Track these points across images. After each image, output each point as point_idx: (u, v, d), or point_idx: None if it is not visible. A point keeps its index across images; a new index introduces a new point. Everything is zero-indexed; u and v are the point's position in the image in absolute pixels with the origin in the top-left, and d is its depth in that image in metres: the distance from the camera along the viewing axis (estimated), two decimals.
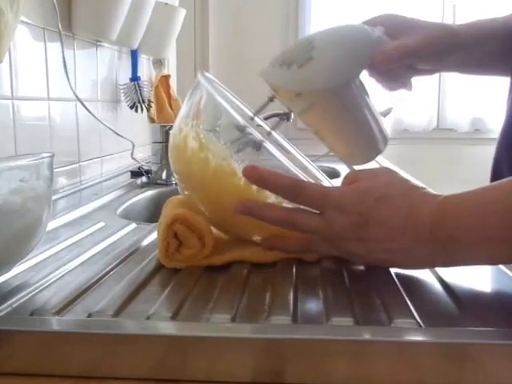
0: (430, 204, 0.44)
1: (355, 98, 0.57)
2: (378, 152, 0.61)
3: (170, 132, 0.57)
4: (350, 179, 0.48)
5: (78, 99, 1.03)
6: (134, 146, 1.18)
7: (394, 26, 0.59)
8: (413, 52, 0.58)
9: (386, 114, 0.66)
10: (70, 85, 0.98)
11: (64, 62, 0.97)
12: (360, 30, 0.57)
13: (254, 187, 0.50)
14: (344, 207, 0.45)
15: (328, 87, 0.55)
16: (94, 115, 1.08)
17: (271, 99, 0.59)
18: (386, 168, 0.50)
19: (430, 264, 0.47)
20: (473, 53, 0.63)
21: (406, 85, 0.63)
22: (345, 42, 0.56)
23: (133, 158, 1.17)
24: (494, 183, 0.45)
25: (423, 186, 0.47)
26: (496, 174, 0.72)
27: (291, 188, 0.47)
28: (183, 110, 0.56)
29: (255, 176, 0.47)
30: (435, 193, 0.46)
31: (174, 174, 0.57)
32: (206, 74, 0.56)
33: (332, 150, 0.62)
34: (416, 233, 0.43)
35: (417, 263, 0.47)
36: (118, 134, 1.16)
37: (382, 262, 0.48)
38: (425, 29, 0.59)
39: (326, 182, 0.62)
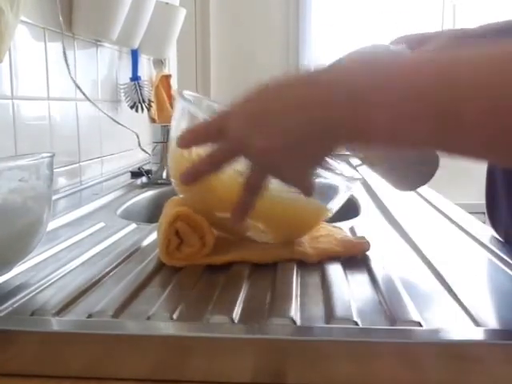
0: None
1: None
2: (431, 175, 0.60)
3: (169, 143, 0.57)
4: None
5: (83, 93, 1.02)
6: (138, 136, 1.17)
7: (417, 42, 0.60)
8: None
9: None
10: (73, 80, 0.98)
11: (66, 61, 0.96)
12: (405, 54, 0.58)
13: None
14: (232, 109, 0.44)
15: None
16: (99, 108, 1.08)
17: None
18: None
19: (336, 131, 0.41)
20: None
21: None
22: None
23: (142, 149, 1.16)
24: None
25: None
26: (490, 175, 0.71)
27: (203, 130, 0.46)
28: (175, 123, 0.56)
29: (182, 141, 0.47)
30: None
31: (172, 179, 0.57)
32: (185, 92, 0.56)
33: (390, 181, 0.62)
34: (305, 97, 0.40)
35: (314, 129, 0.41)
36: (122, 125, 1.15)
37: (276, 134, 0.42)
38: (439, 36, 0.60)
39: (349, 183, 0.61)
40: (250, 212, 0.46)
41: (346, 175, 0.58)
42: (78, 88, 1.03)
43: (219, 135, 0.44)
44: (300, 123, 0.40)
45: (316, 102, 0.39)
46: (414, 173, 0.60)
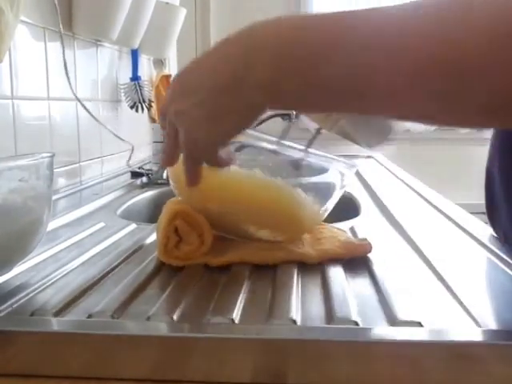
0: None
1: None
2: (392, 132, 0.62)
3: None
4: None
5: (79, 101, 1.02)
6: (133, 149, 1.17)
7: None
8: None
9: None
10: (70, 86, 0.98)
11: (65, 64, 0.96)
12: None
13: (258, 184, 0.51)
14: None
15: None
16: (93, 116, 1.08)
17: (318, 131, 0.61)
18: None
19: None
20: None
21: None
22: None
23: (128, 164, 1.16)
24: None
25: None
26: (489, 177, 0.71)
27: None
28: None
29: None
30: None
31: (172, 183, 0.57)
32: None
33: (357, 142, 0.63)
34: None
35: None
36: (117, 136, 1.15)
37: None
38: None
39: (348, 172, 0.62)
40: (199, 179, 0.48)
41: (344, 161, 0.58)
42: (77, 98, 1.02)
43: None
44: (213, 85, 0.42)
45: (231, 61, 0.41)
46: (375, 127, 0.61)
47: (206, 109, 0.43)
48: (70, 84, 0.97)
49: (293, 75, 0.38)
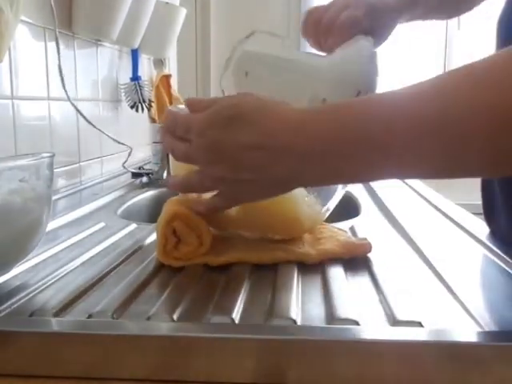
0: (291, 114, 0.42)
1: None
2: None
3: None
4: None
5: (73, 104, 1.02)
6: (130, 152, 1.17)
7: (374, 24, 0.61)
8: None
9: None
10: (64, 89, 0.98)
11: (59, 66, 0.96)
12: (373, 53, 0.59)
13: None
14: (203, 130, 0.44)
15: None
16: (88, 120, 1.07)
17: None
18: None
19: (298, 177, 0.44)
20: (410, 14, 0.66)
21: None
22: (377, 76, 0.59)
23: (123, 166, 1.16)
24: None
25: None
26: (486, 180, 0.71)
27: (166, 120, 0.48)
28: None
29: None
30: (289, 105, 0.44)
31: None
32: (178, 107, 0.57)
33: None
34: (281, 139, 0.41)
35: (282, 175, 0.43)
36: (113, 139, 1.15)
37: (243, 186, 0.45)
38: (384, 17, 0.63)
39: None
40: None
41: None
42: (65, 92, 1.02)
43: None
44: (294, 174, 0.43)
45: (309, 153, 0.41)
46: None
47: (259, 185, 0.44)
48: (63, 86, 0.96)
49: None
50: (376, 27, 0.61)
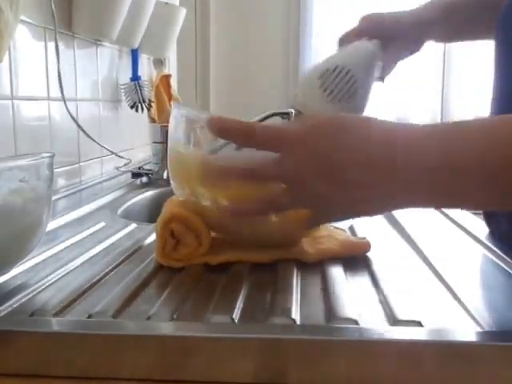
0: (399, 133, 0.42)
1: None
2: None
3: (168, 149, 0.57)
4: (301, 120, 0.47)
5: (65, 104, 1.02)
6: (129, 163, 1.18)
7: (383, 33, 0.65)
8: (405, 56, 0.70)
9: (382, 80, 0.73)
10: (61, 90, 0.98)
11: (58, 70, 0.96)
12: (374, 53, 0.62)
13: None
14: (301, 144, 0.42)
15: (363, 111, 0.62)
16: (79, 126, 1.07)
17: (292, 115, 0.61)
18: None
19: (391, 202, 0.44)
20: (441, 29, 0.70)
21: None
22: (372, 68, 0.62)
23: (118, 169, 1.16)
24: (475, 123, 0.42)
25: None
26: None
27: (242, 130, 0.44)
28: (173, 133, 0.56)
29: (215, 126, 0.45)
30: (392, 123, 0.43)
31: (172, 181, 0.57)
32: (180, 105, 0.57)
33: None
34: (384, 163, 0.40)
35: (386, 199, 0.43)
36: (116, 154, 1.15)
37: (348, 207, 0.45)
38: (403, 30, 0.68)
39: None
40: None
41: None
42: (61, 93, 1.02)
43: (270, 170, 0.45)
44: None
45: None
46: None
47: (359, 206, 0.44)
48: (61, 91, 0.96)
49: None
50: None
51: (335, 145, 0.41)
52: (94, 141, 1.07)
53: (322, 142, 0.42)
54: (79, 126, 1.03)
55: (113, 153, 1.15)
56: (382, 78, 0.68)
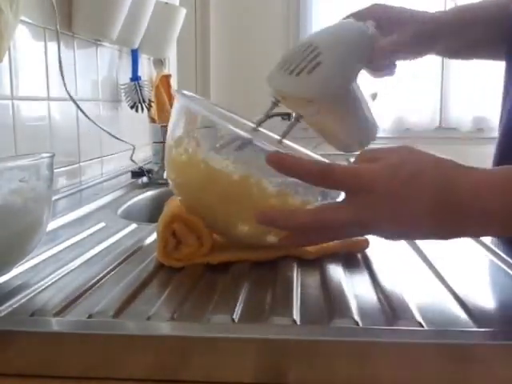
0: (465, 179, 0.43)
1: (355, 93, 0.58)
2: (374, 136, 0.62)
3: (165, 144, 0.56)
4: (369, 158, 0.46)
5: (75, 102, 1.02)
6: (134, 148, 1.17)
7: (387, 19, 0.61)
8: (404, 48, 0.61)
9: (374, 97, 0.67)
10: (65, 88, 0.98)
11: (60, 64, 0.96)
12: (358, 30, 0.58)
13: (285, 191, 0.50)
14: (377, 186, 0.43)
15: (338, 90, 0.56)
16: (91, 119, 1.07)
17: (276, 105, 0.59)
18: (401, 145, 0.48)
19: (466, 235, 0.47)
20: (459, 39, 0.65)
21: (391, 71, 0.65)
22: (348, 43, 0.57)
23: (132, 160, 1.17)
24: None
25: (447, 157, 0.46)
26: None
27: (316, 172, 0.44)
28: (173, 124, 0.56)
29: (278, 163, 0.45)
30: (463, 165, 0.45)
31: (170, 181, 0.57)
32: (184, 92, 0.56)
33: (332, 142, 0.62)
34: (455, 208, 0.42)
35: (453, 236, 0.45)
36: (115, 137, 1.15)
37: (418, 236, 0.49)
38: (412, 22, 0.62)
39: None
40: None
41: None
42: (70, 97, 1.02)
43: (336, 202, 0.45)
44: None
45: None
46: (361, 137, 0.62)
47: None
48: (64, 85, 0.96)
49: None
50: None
51: (411, 189, 0.43)
52: (112, 135, 1.07)
53: (398, 186, 0.43)
54: (95, 123, 1.03)
55: (118, 139, 1.15)
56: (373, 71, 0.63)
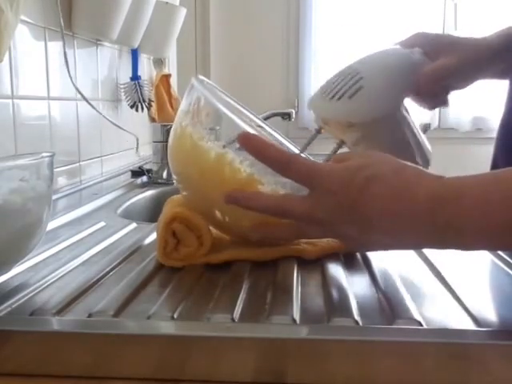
0: (428, 188, 0.41)
1: (401, 121, 0.58)
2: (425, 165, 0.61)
3: (171, 130, 0.56)
4: (341, 158, 0.46)
5: (83, 96, 1.02)
6: (138, 140, 1.18)
7: (430, 46, 0.60)
8: (452, 72, 0.59)
9: (425, 130, 0.65)
10: (72, 81, 0.98)
11: (66, 60, 0.96)
12: (402, 55, 0.58)
13: (255, 178, 0.50)
14: (333, 186, 0.43)
15: (379, 116, 0.55)
16: (97, 111, 1.08)
17: (319, 131, 0.59)
18: (375, 152, 0.49)
19: (424, 247, 0.47)
20: (507, 60, 0.63)
21: (445, 102, 0.63)
22: (390, 69, 0.57)
23: (137, 153, 1.17)
24: (497, 171, 0.42)
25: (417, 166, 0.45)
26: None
27: (280, 160, 0.45)
28: (183, 107, 0.55)
29: (247, 143, 0.46)
30: (431, 173, 0.43)
31: (173, 173, 0.57)
32: (201, 77, 0.55)
33: None
34: (412, 216, 0.41)
35: (410, 245, 0.46)
36: (123, 129, 1.15)
37: (374, 246, 0.47)
38: (461, 47, 0.60)
39: None
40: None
41: None
42: (79, 93, 1.02)
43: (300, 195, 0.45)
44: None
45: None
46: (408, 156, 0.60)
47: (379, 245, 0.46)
48: (71, 78, 0.96)
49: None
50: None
51: (366, 194, 0.42)
52: (120, 127, 1.07)
53: (353, 190, 0.42)
54: (110, 121, 1.03)
55: (125, 130, 1.15)
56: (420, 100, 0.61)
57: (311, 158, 0.66)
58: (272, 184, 0.50)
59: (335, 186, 0.43)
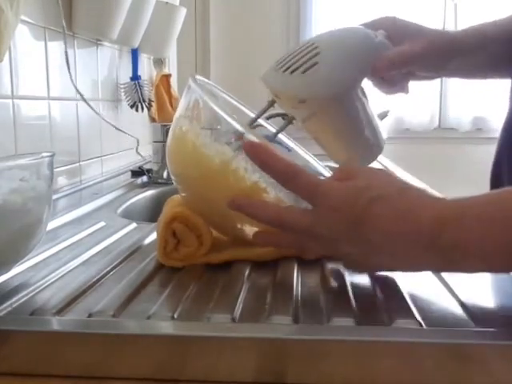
0: (430, 210, 0.42)
1: (356, 103, 0.56)
2: (374, 157, 0.60)
3: (169, 130, 0.56)
4: (345, 174, 0.46)
5: (83, 98, 1.02)
6: (138, 142, 1.18)
7: (396, 31, 0.59)
8: (414, 59, 0.58)
9: (382, 116, 0.64)
10: (72, 83, 0.98)
11: (67, 60, 0.96)
12: (363, 35, 0.56)
13: (260, 186, 0.49)
14: (337, 204, 0.43)
15: (333, 94, 0.54)
16: (97, 113, 1.08)
17: (272, 104, 0.57)
18: (384, 170, 0.49)
19: (426, 269, 0.46)
20: (472, 58, 0.63)
21: (403, 88, 0.62)
22: (349, 47, 0.55)
23: (138, 153, 1.17)
24: (498, 191, 0.42)
25: (421, 187, 0.45)
26: (495, 175, 0.71)
27: (286, 173, 0.45)
28: (181, 107, 0.55)
29: (253, 152, 0.45)
30: (433, 195, 0.44)
31: (172, 174, 0.57)
32: (198, 77, 0.55)
33: (329, 154, 0.60)
34: (414, 238, 0.41)
35: (412, 268, 0.45)
36: (123, 131, 1.15)
37: (374, 267, 0.47)
38: (426, 35, 0.59)
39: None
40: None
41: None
42: (80, 94, 1.02)
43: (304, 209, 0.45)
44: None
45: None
46: (361, 153, 0.59)
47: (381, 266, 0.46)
48: (71, 78, 0.96)
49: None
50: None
51: (370, 214, 0.42)
52: (119, 129, 1.07)
53: (357, 209, 0.42)
54: (110, 123, 1.03)
55: (122, 131, 1.15)
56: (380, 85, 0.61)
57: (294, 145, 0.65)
58: (277, 191, 0.49)
59: (339, 203, 0.43)
